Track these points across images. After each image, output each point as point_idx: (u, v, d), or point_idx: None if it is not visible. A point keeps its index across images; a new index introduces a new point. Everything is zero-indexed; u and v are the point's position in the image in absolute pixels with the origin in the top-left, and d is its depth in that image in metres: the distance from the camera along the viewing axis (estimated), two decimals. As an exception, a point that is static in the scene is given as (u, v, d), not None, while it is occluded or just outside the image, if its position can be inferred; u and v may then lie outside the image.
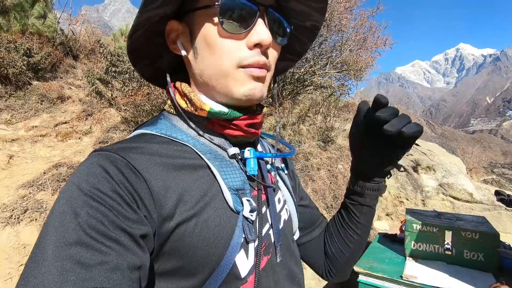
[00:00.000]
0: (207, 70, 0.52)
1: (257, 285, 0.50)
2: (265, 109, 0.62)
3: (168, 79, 0.56)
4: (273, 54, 0.54)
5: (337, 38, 4.28)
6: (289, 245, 0.64)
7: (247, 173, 0.55)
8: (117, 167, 0.42)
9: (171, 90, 0.55)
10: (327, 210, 3.65)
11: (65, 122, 3.98)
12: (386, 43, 4.29)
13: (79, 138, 3.80)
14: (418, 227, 1.87)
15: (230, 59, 0.49)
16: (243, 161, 0.56)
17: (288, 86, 4.44)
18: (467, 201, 4.59)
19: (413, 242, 1.90)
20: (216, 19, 0.48)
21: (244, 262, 0.49)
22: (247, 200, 0.51)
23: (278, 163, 0.70)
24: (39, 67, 4.57)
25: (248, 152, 0.56)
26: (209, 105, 0.52)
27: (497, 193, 4.74)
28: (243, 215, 0.50)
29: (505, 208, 4.39)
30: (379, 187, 0.65)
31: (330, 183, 4.00)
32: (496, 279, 1.57)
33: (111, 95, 3.53)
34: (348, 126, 6.12)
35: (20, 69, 4.13)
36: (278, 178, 0.66)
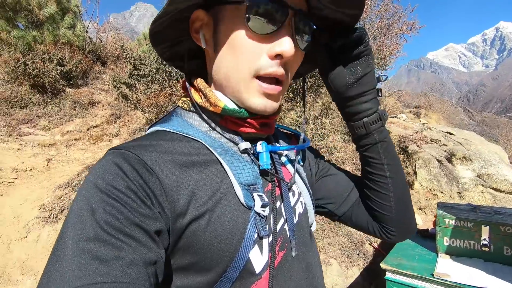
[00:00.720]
0: (224, 70, 0.52)
1: (271, 281, 0.50)
2: (280, 107, 0.61)
3: (185, 76, 0.58)
4: (293, 65, 0.53)
5: (359, 25, 4.10)
6: (306, 238, 0.62)
7: (260, 168, 0.54)
8: (131, 165, 0.43)
9: (188, 85, 0.57)
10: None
11: (96, 126, 4.21)
12: (413, 27, 4.03)
13: (109, 141, 4.01)
14: (451, 222, 1.76)
15: (249, 64, 0.49)
16: (256, 155, 0.55)
17: (309, 79, 4.34)
18: (510, 193, 4.24)
19: (445, 238, 1.79)
20: (243, 17, 0.47)
21: (258, 258, 0.49)
22: (258, 195, 0.51)
23: (293, 155, 0.69)
24: (71, 75, 4.87)
25: (260, 146, 0.56)
26: (224, 102, 0.52)
27: (545, 183, 4.33)
28: (254, 210, 0.49)
29: (555, 200, 4.00)
30: (377, 114, 0.61)
31: (356, 177, 3.87)
32: (541, 278, 1.44)
33: (136, 97, 3.68)
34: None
35: (55, 78, 4.43)
36: (292, 169, 0.65)
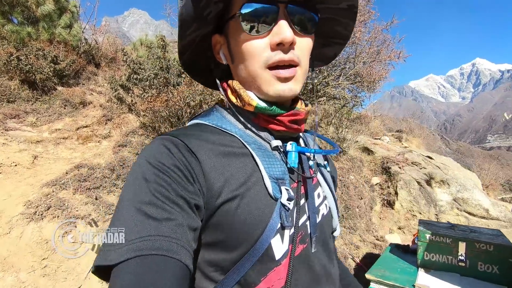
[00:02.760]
0: (243, 74, 0.58)
1: (291, 269, 0.54)
2: (308, 107, 0.65)
3: (218, 81, 0.64)
4: (302, 48, 0.56)
5: (351, 50, 4.35)
6: (326, 240, 0.65)
7: (288, 165, 0.59)
8: (177, 147, 0.50)
9: (221, 88, 0.63)
10: (338, 220, 3.64)
11: (86, 126, 4.15)
12: (400, 56, 4.32)
13: (98, 142, 3.95)
14: (431, 237, 1.88)
15: (257, 60, 0.54)
16: (285, 154, 0.60)
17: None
18: (483, 217, 4.48)
19: (425, 253, 1.90)
20: (241, 26, 0.53)
21: (279, 246, 0.53)
22: (286, 189, 0.55)
23: (321, 160, 0.74)
24: (64, 74, 4.81)
25: (290, 146, 0.61)
26: (256, 101, 0.57)
27: (514, 210, 4.61)
28: (281, 202, 0.53)
29: (523, 226, 4.26)
30: None
31: (342, 193, 3.99)
32: (511, 292, 1.56)
33: (132, 101, 3.68)
34: (360, 138, 6.10)
35: (47, 75, 4.36)
36: (319, 174, 0.69)
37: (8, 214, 2.36)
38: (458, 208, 4.64)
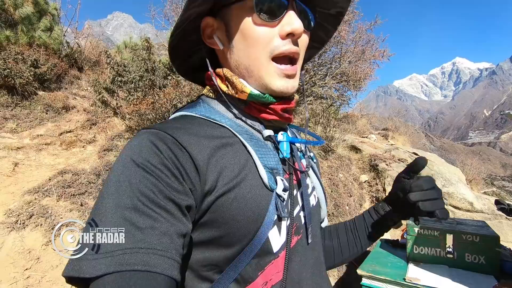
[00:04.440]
0: (243, 61, 0.55)
1: (287, 260, 0.52)
2: (296, 97, 0.65)
3: (210, 68, 0.59)
4: (303, 43, 0.57)
5: (337, 50, 4.41)
6: (317, 231, 0.65)
7: (280, 156, 0.58)
8: (165, 143, 0.46)
9: (213, 75, 0.59)
10: (328, 218, 3.66)
11: (70, 131, 4.04)
12: (384, 55, 4.42)
13: (83, 147, 3.85)
14: (420, 230, 1.90)
15: (263, 48, 0.52)
16: (276, 144, 0.59)
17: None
18: (468, 210, 4.61)
19: (415, 246, 1.92)
20: (251, 11, 0.51)
21: (276, 238, 0.52)
22: (281, 179, 0.53)
23: (308, 152, 0.74)
24: (45, 78, 4.66)
25: (281, 136, 0.60)
26: (249, 88, 0.56)
27: (497, 202, 4.75)
28: (276, 193, 0.52)
29: (506, 217, 4.40)
30: (396, 221, 0.75)
31: (331, 191, 4.03)
32: (497, 281, 1.59)
33: (116, 104, 3.60)
34: (347, 137, 6.18)
35: (27, 79, 4.22)
36: (308, 164, 0.69)
37: (-13, 224, 2.26)
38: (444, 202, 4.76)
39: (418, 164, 0.67)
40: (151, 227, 0.39)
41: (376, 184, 5.12)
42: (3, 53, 4.20)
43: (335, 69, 4.46)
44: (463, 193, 4.74)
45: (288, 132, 0.69)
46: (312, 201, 0.66)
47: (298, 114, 5.25)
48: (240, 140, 0.54)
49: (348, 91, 4.85)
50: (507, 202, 4.73)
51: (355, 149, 5.86)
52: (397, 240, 2.44)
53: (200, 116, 0.56)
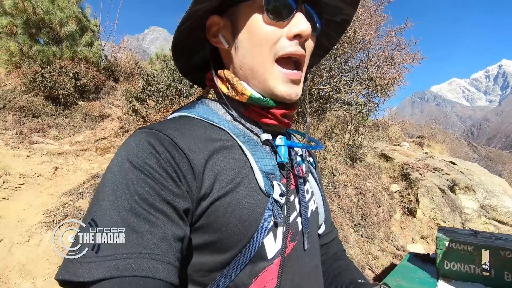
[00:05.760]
0: (247, 61, 0.54)
1: (281, 268, 0.50)
2: (297, 102, 0.64)
3: (212, 69, 0.59)
4: (309, 48, 0.56)
5: (363, 55, 4.29)
6: (314, 237, 0.63)
7: (278, 160, 0.56)
8: (163, 145, 0.45)
9: (214, 76, 0.59)
10: (354, 228, 3.52)
11: (104, 138, 4.31)
12: (415, 58, 4.20)
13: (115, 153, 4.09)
14: (451, 244, 1.76)
15: (270, 48, 0.52)
16: (274, 148, 0.58)
17: (314, 103, 4.47)
18: (514, 226, 4.18)
19: (445, 261, 1.78)
20: (260, 9, 0.51)
21: (271, 245, 0.50)
22: (278, 184, 0.52)
23: (307, 157, 0.72)
24: (85, 89, 5.06)
25: (279, 140, 0.58)
26: (250, 91, 0.55)
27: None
28: (273, 198, 0.51)
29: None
30: None
31: (358, 200, 3.87)
32: (542, 305, 1.42)
33: (146, 112, 3.80)
34: (377, 145, 5.93)
35: (69, 90, 4.61)
36: (307, 170, 0.67)
37: (28, 223, 2.46)
38: (486, 216, 4.36)
39: None
40: (150, 232, 0.39)
41: (408, 194, 4.83)
42: (49, 67, 4.63)
43: (362, 75, 4.33)
44: (509, 206, 4.31)
45: (287, 135, 0.68)
46: (312, 206, 0.64)
47: (324, 120, 5.15)
48: (238, 143, 0.53)
49: (376, 97, 4.67)
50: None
51: (385, 157, 5.60)
52: (428, 254, 2.28)
53: (198, 118, 0.55)
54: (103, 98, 5.40)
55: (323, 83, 4.19)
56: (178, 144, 0.46)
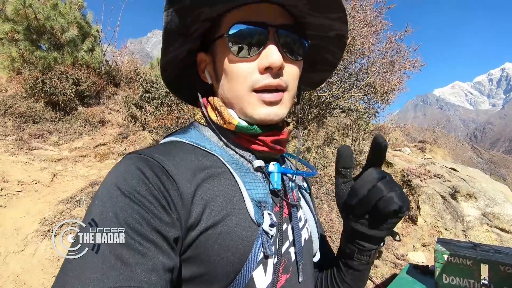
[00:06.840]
0: (227, 95, 0.55)
1: None
2: (290, 127, 0.63)
3: (199, 96, 0.60)
4: (290, 73, 0.54)
5: (363, 61, 4.27)
6: (307, 266, 0.61)
7: (271, 187, 0.55)
8: (153, 171, 0.44)
9: (202, 104, 0.59)
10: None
11: (104, 144, 4.32)
12: (415, 65, 4.18)
13: (114, 159, 4.08)
14: (450, 258, 1.73)
15: (243, 83, 0.52)
16: (267, 175, 0.56)
17: (313, 110, 4.45)
18: (517, 234, 4.12)
19: (444, 275, 1.75)
20: (228, 47, 0.51)
21: (261, 278, 0.48)
22: (268, 213, 0.51)
23: (301, 182, 0.71)
24: (85, 94, 5.07)
25: (273, 166, 0.57)
26: (237, 119, 0.54)
27: (553, 226, 4.20)
28: (262, 228, 0.49)
29: None
30: (370, 254, 0.57)
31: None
32: (543, 323, 1.39)
33: (144, 118, 3.80)
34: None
35: (69, 96, 4.62)
36: (300, 196, 0.66)
37: (25, 231, 2.46)
38: (488, 224, 4.31)
39: (342, 156, 0.53)
40: (139, 263, 0.38)
41: (409, 201, 4.79)
42: (50, 73, 4.65)
43: (362, 81, 4.31)
44: (511, 214, 4.26)
45: (281, 161, 0.66)
46: (305, 234, 0.62)
47: (325, 126, 5.13)
48: (229, 170, 0.52)
49: (376, 103, 4.64)
50: None
51: (386, 163, 5.56)
52: (427, 266, 2.24)
53: (190, 143, 0.55)
54: (103, 103, 5.41)
55: (323, 89, 4.17)
56: (168, 170, 0.45)
